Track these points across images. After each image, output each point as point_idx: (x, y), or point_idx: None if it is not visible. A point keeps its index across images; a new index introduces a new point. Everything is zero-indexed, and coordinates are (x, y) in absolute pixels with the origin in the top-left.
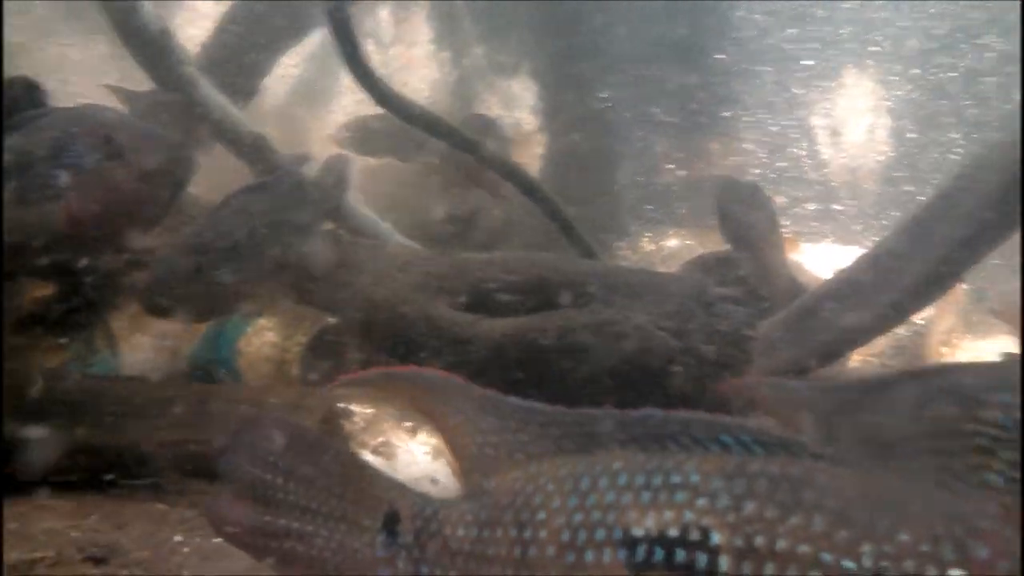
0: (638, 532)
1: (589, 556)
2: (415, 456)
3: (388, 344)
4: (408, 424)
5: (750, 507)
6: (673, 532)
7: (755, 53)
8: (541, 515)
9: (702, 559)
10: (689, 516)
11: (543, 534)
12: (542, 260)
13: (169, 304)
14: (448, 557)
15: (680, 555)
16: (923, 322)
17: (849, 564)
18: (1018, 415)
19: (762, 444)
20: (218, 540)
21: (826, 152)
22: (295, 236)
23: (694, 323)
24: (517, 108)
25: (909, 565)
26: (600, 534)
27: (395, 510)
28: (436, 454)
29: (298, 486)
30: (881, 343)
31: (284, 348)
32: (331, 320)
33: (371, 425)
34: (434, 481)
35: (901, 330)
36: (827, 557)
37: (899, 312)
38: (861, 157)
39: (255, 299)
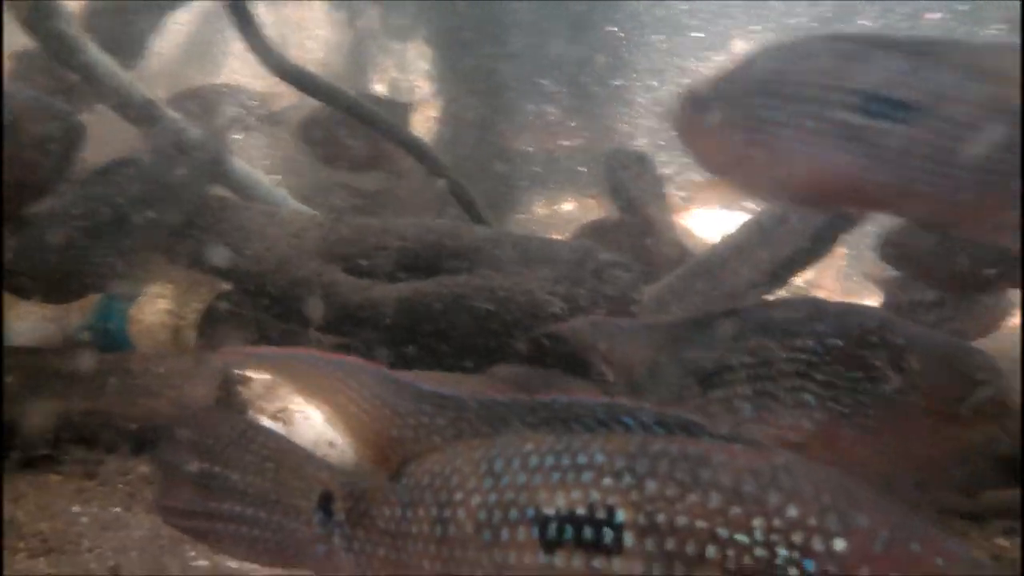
0: (549, 511)
1: (504, 534)
2: (313, 421)
3: (283, 310)
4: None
5: (652, 486)
6: (581, 511)
7: (647, 24)
8: (459, 495)
9: (608, 535)
10: (595, 495)
11: (461, 513)
12: (436, 227)
13: (32, 285)
14: (376, 534)
15: (588, 532)
16: (804, 284)
17: (742, 538)
18: (831, 342)
19: (662, 424)
20: (116, 509)
21: None
22: (174, 204)
23: (582, 288)
24: (412, 72)
25: (798, 537)
26: (514, 513)
27: (328, 491)
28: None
29: (238, 473)
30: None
31: (180, 315)
32: (226, 286)
33: (269, 391)
34: (332, 444)
35: (783, 292)
36: (723, 532)
37: (782, 274)
38: None
39: (131, 274)
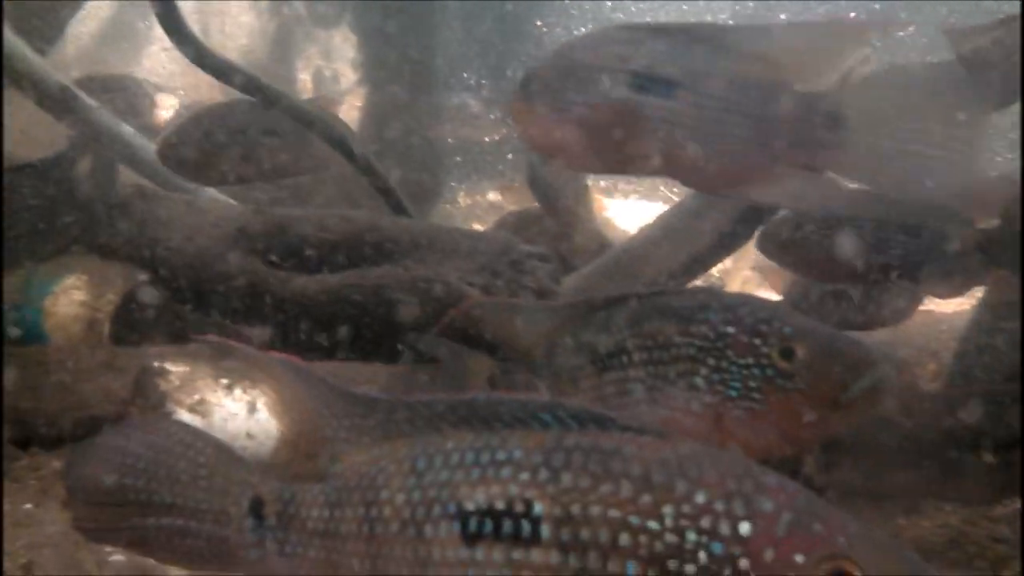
0: (470, 506)
1: (428, 530)
2: (231, 412)
3: (203, 302)
4: (224, 381)
5: (566, 478)
6: (500, 505)
7: (575, 18)
8: (385, 494)
9: (527, 528)
10: (514, 490)
11: (387, 511)
12: (357, 218)
13: None
14: (307, 536)
15: (508, 526)
16: (718, 275)
17: (653, 525)
18: (724, 329)
19: (576, 419)
20: (28, 506)
21: None
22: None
23: (501, 279)
24: (337, 61)
25: (705, 522)
26: (437, 510)
27: (259, 495)
28: (252, 410)
29: (164, 484)
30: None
31: (95, 307)
32: (143, 278)
33: (186, 383)
34: (250, 436)
35: (699, 282)
36: (634, 520)
37: (699, 264)
38: None
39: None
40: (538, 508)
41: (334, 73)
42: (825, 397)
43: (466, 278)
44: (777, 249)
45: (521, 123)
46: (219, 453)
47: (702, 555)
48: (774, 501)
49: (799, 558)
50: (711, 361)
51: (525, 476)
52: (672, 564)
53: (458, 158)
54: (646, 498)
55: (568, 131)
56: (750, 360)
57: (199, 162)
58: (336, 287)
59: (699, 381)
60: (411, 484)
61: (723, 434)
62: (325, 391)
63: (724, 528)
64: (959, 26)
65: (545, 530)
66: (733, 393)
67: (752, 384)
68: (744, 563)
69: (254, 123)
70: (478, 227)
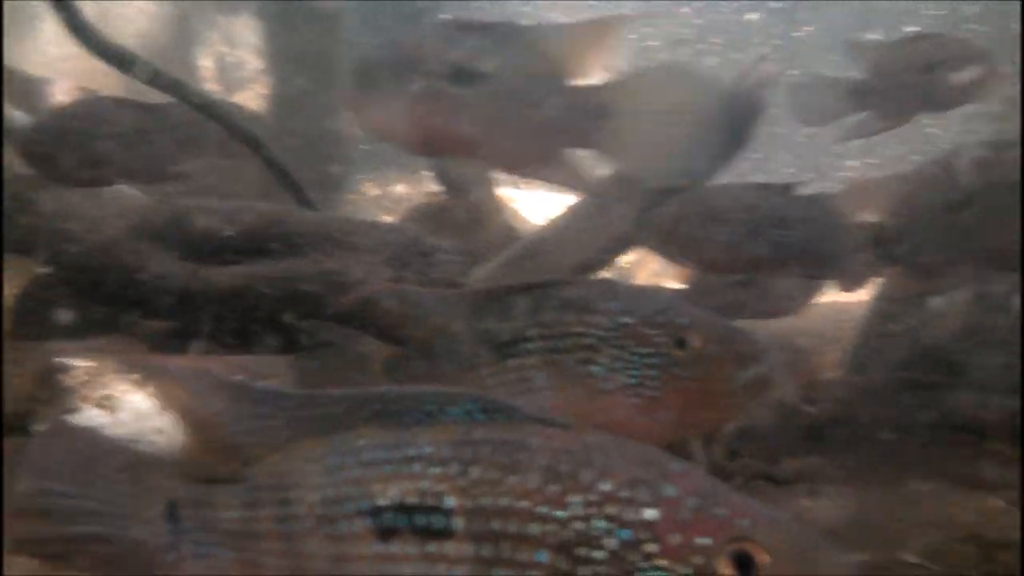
0: (383, 502)
1: (342, 527)
2: (140, 409)
3: (106, 295)
4: (134, 376)
5: (476, 471)
6: (412, 500)
7: (478, 9)
8: (299, 493)
9: (439, 521)
10: (425, 484)
11: (301, 510)
12: (264, 210)
13: None
14: (224, 538)
15: (420, 519)
16: (628, 264)
17: (560, 514)
18: (621, 319)
19: (485, 412)
20: None
21: None
22: None
23: (409, 271)
24: (240, 47)
25: (611, 509)
26: (350, 506)
27: (174, 499)
28: (161, 406)
29: (84, 491)
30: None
31: None
32: (43, 270)
33: (93, 378)
34: (160, 432)
35: (606, 273)
36: (542, 509)
37: (606, 255)
38: None
39: None
40: (449, 501)
41: (237, 60)
42: (717, 385)
43: (374, 271)
44: (657, 240)
45: (352, 111)
46: (139, 459)
47: (610, 541)
48: (679, 487)
49: (704, 541)
50: (609, 350)
51: (436, 470)
52: (581, 551)
53: (364, 148)
54: (553, 488)
55: (394, 118)
56: (647, 350)
57: (52, 160)
58: (243, 279)
59: (598, 370)
60: (324, 482)
61: (621, 420)
62: (234, 393)
63: (630, 515)
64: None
65: (457, 523)
66: (630, 381)
67: (649, 373)
68: (651, 547)
69: (110, 122)
70: (386, 219)
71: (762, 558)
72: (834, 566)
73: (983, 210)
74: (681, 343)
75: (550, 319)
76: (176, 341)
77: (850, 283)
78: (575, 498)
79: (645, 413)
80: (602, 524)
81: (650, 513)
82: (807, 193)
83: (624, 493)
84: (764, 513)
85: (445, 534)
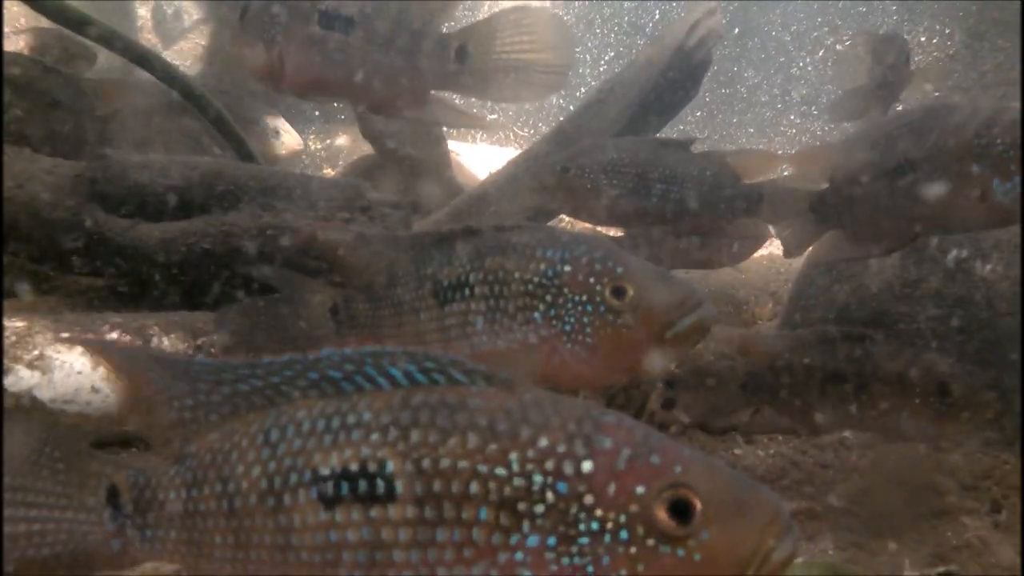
0: (325, 471)
1: (286, 499)
2: (74, 368)
3: (38, 253)
4: (65, 335)
5: (416, 435)
6: (354, 467)
7: None
8: (240, 468)
9: (381, 486)
10: (366, 451)
11: (244, 485)
12: (200, 163)
13: None
14: (167, 519)
15: (363, 486)
16: (568, 221)
17: (500, 471)
18: (560, 267)
19: (424, 372)
20: None
21: None
22: None
23: (351, 226)
24: None
25: (550, 464)
26: (293, 478)
27: (114, 484)
28: (96, 364)
29: (20, 486)
30: None
31: None
32: None
33: (23, 339)
34: (95, 390)
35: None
36: (482, 468)
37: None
38: None
39: None
40: (390, 466)
41: (176, 10)
42: (651, 334)
43: (315, 225)
44: (546, 192)
45: (238, 53)
46: (75, 447)
47: (549, 495)
48: (612, 438)
49: (640, 489)
50: (548, 297)
51: (375, 437)
52: (522, 506)
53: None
54: (492, 447)
55: (273, 60)
56: (583, 297)
57: None
58: (182, 235)
59: (536, 316)
60: (266, 456)
61: (558, 366)
62: (171, 372)
63: (568, 468)
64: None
65: (399, 486)
66: (567, 328)
67: (585, 320)
68: (589, 499)
69: None
70: (328, 172)
71: (696, 503)
72: (766, 509)
73: (921, 176)
74: (618, 292)
75: (490, 265)
76: (112, 298)
77: (790, 248)
78: (514, 455)
79: (581, 359)
80: (540, 479)
81: (586, 465)
82: (706, 151)
83: (561, 447)
84: (697, 459)
85: (388, 499)
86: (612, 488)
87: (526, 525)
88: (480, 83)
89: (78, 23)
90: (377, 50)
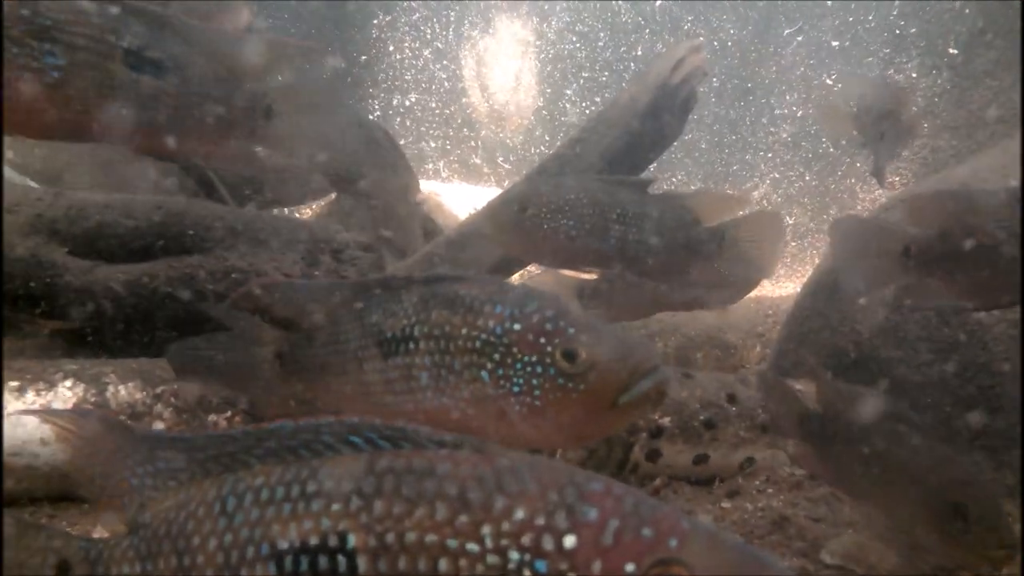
0: (283, 545)
1: (243, 574)
2: (21, 419)
3: None
4: (14, 384)
5: (379, 505)
6: (314, 540)
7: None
8: (196, 540)
9: (342, 563)
10: (326, 523)
11: (200, 559)
12: (166, 204)
13: None
14: None
15: (323, 562)
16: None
17: (472, 547)
18: (510, 325)
19: (388, 439)
20: None
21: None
22: None
23: (320, 269)
24: None
25: (527, 539)
26: (250, 551)
27: (64, 559)
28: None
29: None
30: (515, 277)
31: None
32: None
33: None
34: (44, 442)
35: (532, 268)
36: (452, 543)
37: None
38: (508, 104)
39: None
40: (352, 540)
41: None
42: (604, 399)
43: (283, 268)
44: (502, 233)
45: None
46: (18, 522)
47: (526, 574)
48: (599, 508)
49: (629, 567)
50: (496, 356)
51: (337, 507)
52: None
53: None
54: (463, 519)
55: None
56: (533, 358)
57: None
58: (143, 278)
59: (484, 375)
60: (222, 527)
61: (505, 427)
62: (126, 437)
63: (548, 543)
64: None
65: (362, 563)
66: (516, 389)
67: (534, 382)
68: None
69: None
70: (306, 213)
71: None
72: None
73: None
74: (569, 355)
75: (436, 318)
76: (71, 342)
77: (687, 287)
78: (487, 529)
79: (530, 422)
80: (517, 556)
81: (569, 540)
82: (664, 192)
83: (541, 520)
84: (697, 531)
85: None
86: (598, 566)
87: None
88: (281, 142)
89: None
90: (190, 99)
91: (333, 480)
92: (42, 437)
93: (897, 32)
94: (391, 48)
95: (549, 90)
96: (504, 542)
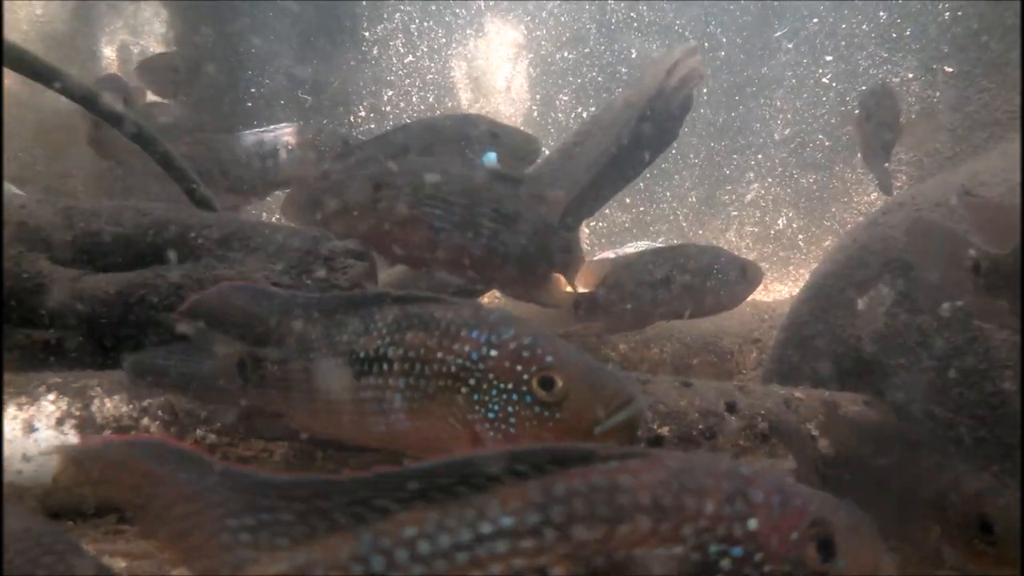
0: None
1: None
2: (3, 434)
3: None
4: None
5: (579, 531)
6: None
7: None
8: None
9: None
10: (519, 563)
11: None
12: (154, 211)
13: None
14: None
15: None
16: None
17: (678, 550)
18: (486, 351)
19: (555, 462)
20: None
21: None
22: None
23: (311, 278)
24: (145, 36)
25: (721, 530)
26: None
27: None
28: (28, 430)
29: None
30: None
31: None
32: None
33: None
34: (27, 459)
35: None
36: (661, 551)
37: None
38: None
39: None
40: (556, 572)
41: (142, 49)
42: (579, 428)
43: (272, 277)
44: (350, 215)
45: None
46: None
47: (725, 563)
48: (762, 489)
49: (794, 536)
50: (472, 381)
51: (528, 544)
52: None
53: None
54: (665, 526)
55: None
56: (509, 385)
57: None
58: (131, 287)
59: (458, 399)
60: None
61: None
62: (217, 480)
63: (737, 530)
64: None
65: None
66: (491, 415)
67: (509, 409)
68: (759, 556)
69: None
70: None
71: (837, 539)
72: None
73: None
74: (546, 383)
75: (411, 340)
76: (56, 353)
77: (542, 293)
78: (687, 529)
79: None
80: (715, 548)
81: (752, 523)
82: (538, 191)
83: (726, 510)
84: (812, 492)
85: None
86: (775, 540)
87: None
88: None
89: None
90: None
91: (511, 515)
92: (24, 453)
93: (894, 35)
94: (376, 52)
95: (539, 95)
96: (704, 537)
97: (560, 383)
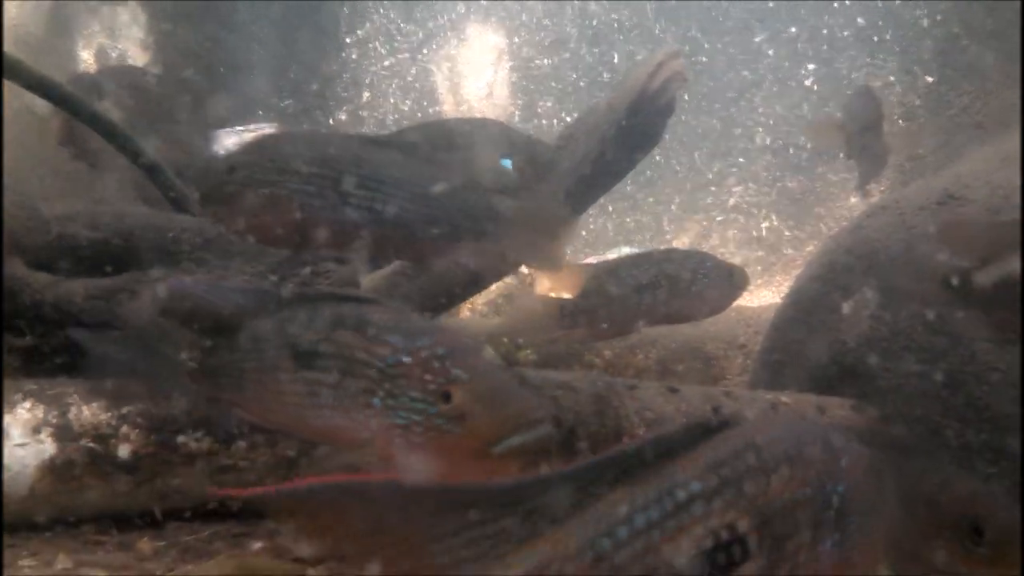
0: (681, 561)
1: None
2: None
3: None
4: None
5: (749, 485)
6: (707, 543)
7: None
8: None
9: (736, 552)
10: (713, 522)
11: None
12: (132, 214)
13: None
14: None
15: (720, 558)
16: (528, 271)
17: (807, 492)
18: (400, 357)
19: (700, 428)
20: None
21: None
22: None
23: (294, 281)
24: (124, 39)
25: (828, 472)
26: None
27: None
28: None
29: None
30: (493, 291)
31: None
32: None
33: None
34: (23, 446)
35: (510, 279)
36: (801, 494)
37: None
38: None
39: None
40: (742, 526)
41: (120, 53)
42: (476, 445)
43: (254, 280)
44: (209, 203)
45: None
46: None
47: (835, 499)
48: (836, 431)
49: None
50: (386, 385)
51: (717, 503)
52: (824, 516)
53: None
54: (799, 472)
55: None
56: (417, 394)
57: None
58: (107, 293)
59: (376, 402)
60: (605, 573)
61: (389, 460)
62: (420, 506)
63: (836, 469)
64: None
65: (752, 542)
66: (399, 421)
67: (415, 418)
68: (852, 492)
69: None
70: None
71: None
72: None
73: None
74: (446, 396)
75: (341, 339)
76: (34, 361)
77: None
78: (811, 473)
79: (412, 457)
80: (829, 487)
81: (843, 462)
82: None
83: (827, 453)
84: (844, 433)
85: (741, 560)
86: (856, 474)
87: (826, 538)
88: None
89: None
90: None
91: (699, 480)
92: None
93: (875, 39)
94: (356, 55)
95: (521, 100)
96: (823, 479)
97: (458, 398)
